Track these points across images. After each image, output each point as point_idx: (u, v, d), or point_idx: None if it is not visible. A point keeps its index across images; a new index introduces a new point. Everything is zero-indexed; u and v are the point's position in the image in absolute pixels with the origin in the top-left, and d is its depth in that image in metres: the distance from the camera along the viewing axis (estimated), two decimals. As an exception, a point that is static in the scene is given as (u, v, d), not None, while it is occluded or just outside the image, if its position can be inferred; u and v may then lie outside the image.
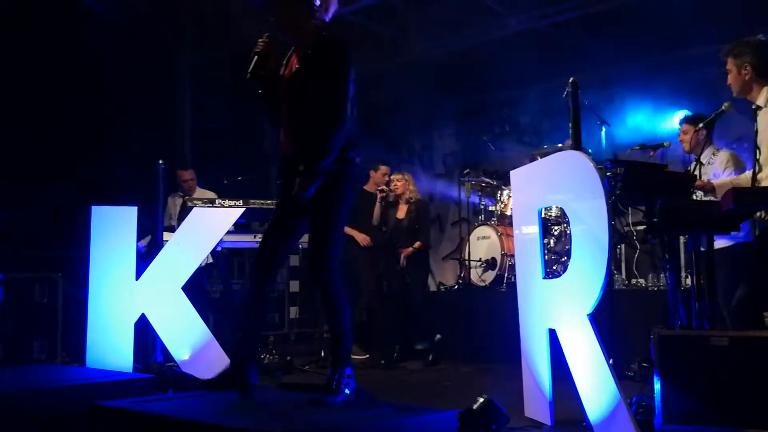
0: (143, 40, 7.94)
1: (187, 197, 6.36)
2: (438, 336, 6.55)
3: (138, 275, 4.89)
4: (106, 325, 4.85)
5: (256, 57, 3.43)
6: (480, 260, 7.28)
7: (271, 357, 5.96)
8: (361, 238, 6.91)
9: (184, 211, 5.49)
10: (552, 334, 3.55)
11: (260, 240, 3.63)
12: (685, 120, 5.19)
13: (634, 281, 6.61)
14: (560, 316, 3.45)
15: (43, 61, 7.10)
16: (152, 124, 8.07)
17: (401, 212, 7.06)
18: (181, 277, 4.81)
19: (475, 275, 7.33)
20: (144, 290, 4.86)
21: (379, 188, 6.97)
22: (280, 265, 3.62)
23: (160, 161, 5.42)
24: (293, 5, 3.43)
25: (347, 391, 3.31)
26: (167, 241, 5.11)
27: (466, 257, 7.34)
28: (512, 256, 6.90)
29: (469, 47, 8.70)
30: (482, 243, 7.37)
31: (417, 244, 6.96)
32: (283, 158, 3.54)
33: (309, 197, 3.29)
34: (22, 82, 7.00)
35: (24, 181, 6.91)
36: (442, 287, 8.72)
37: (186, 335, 4.81)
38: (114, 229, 4.90)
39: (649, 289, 6.27)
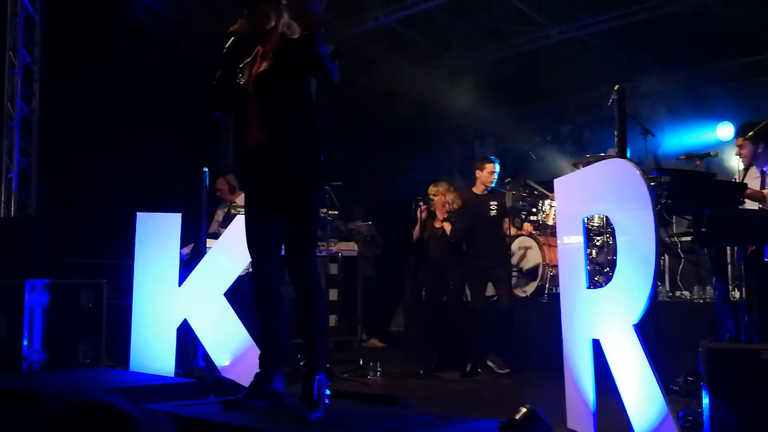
0: (188, 49, 8.07)
1: (231, 205, 6.43)
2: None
3: (180, 281, 4.95)
4: (149, 330, 4.92)
5: (233, 36, 3.43)
6: (521, 270, 7.21)
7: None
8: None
9: (228, 219, 5.55)
10: (596, 344, 3.49)
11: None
12: (738, 133, 5.07)
13: (678, 293, 6.48)
14: (605, 327, 3.39)
15: (91, 68, 7.27)
16: (197, 132, 8.20)
17: (439, 221, 6.99)
18: (223, 283, 4.84)
19: (516, 285, 7.27)
20: (186, 296, 4.91)
21: (420, 203, 6.83)
22: (276, 263, 3.47)
23: (205, 168, 5.50)
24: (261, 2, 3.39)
25: (326, 401, 3.16)
26: (210, 247, 5.17)
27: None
28: (554, 266, 6.82)
29: (509, 57, 8.69)
30: (523, 253, 7.31)
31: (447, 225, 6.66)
32: (248, 151, 3.41)
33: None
34: (73, 89, 7.18)
35: (71, 188, 7.08)
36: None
37: (227, 341, 4.84)
38: (158, 236, 4.98)
39: (695, 301, 6.15)
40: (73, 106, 7.21)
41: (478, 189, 6.87)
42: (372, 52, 9.12)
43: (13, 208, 6.71)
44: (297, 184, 3.29)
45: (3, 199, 6.73)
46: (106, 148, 7.43)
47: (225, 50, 3.44)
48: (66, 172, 7.09)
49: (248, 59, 3.52)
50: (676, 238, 5.70)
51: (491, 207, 6.78)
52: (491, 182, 6.79)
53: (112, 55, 7.46)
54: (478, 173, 6.89)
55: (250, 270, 6.72)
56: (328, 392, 3.19)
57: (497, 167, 6.79)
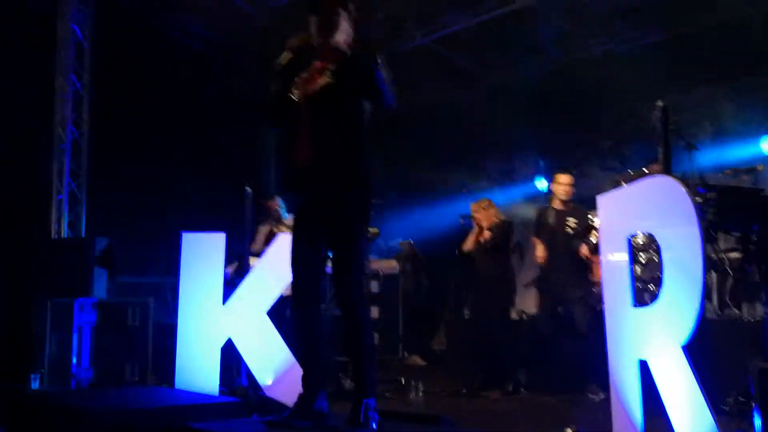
0: (231, 73, 8.24)
1: (274, 224, 6.50)
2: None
3: (225, 300, 5.01)
4: (194, 348, 4.98)
5: (290, 50, 3.38)
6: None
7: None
8: (540, 255, 6.45)
9: (272, 237, 5.61)
10: (643, 365, 3.43)
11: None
12: None
13: (727, 311, 6.33)
14: (652, 347, 3.33)
15: (137, 92, 7.45)
16: (241, 152, 8.34)
17: (484, 237, 6.95)
18: (266, 301, 4.88)
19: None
20: (230, 315, 4.96)
21: (463, 220, 6.81)
22: (319, 283, 3.47)
23: (248, 187, 5.57)
24: (335, 11, 3.36)
25: (374, 426, 3.11)
26: (254, 266, 5.22)
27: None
28: (597, 283, 6.73)
29: (548, 73, 8.65)
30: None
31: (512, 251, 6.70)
32: (298, 169, 3.37)
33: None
34: (120, 113, 7.37)
35: (118, 209, 7.25)
36: (524, 315, 8.58)
37: (270, 360, 4.87)
38: (203, 255, 5.05)
39: (744, 319, 5.99)
40: (121, 130, 7.40)
41: (555, 204, 6.55)
42: (410, 71, 9.18)
43: (63, 229, 6.88)
44: (349, 206, 3.26)
45: (53, 220, 6.91)
46: (152, 170, 7.60)
47: (281, 65, 3.39)
48: (113, 193, 7.26)
49: (303, 74, 3.44)
50: (723, 254, 5.57)
51: (567, 223, 6.44)
52: (567, 195, 6.43)
53: (158, 79, 7.65)
54: (552, 186, 6.60)
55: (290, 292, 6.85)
56: (377, 417, 3.14)
57: (570, 179, 6.45)
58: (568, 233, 6.41)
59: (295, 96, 3.38)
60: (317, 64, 3.42)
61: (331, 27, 3.34)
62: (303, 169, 3.33)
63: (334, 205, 3.27)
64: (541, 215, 6.57)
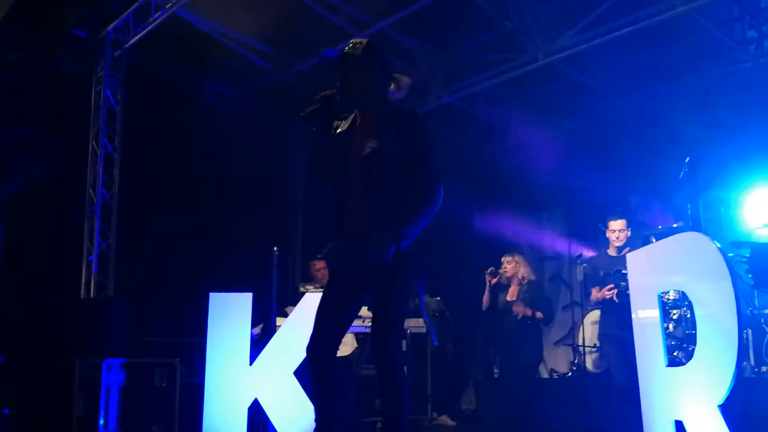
0: (257, 131, 8.40)
1: (300, 284, 6.52)
2: None
3: (252, 360, 4.99)
4: (221, 408, 4.96)
5: (319, 104, 3.33)
6: (595, 346, 7.00)
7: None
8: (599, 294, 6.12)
9: (297, 296, 5.62)
10: (679, 426, 3.34)
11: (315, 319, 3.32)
12: None
13: (765, 368, 6.15)
14: (688, 407, 3.25)
15: (165, 152, 7.61)
16: (267, 212, 8.42)
17: (511, 294, 6.91)
18: (293, 361, 4.87)
19: (589, 361, 7.04)
20: (257, 375, 4.95)
21: (489, 271, 6.82)
22: (337, 346, 3.34)
23: (275, 248, 5.61)
24: (358, 71, 3.32)
25: None
26: (280, 326, 5.22)
27: (580, 342, 7.07)
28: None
29: (573, 129, 8.69)
30: (597, 328, 7.09)
31: (538, 314, 6.64)
32: (350, 233, 3.31)
33: (380, 266, 3.11)
34: (149, 174, 7.51)
35: (147, 268, 7.32)
36: (554, 374, 8.42)
37: (297, 420, 4.83)
38: (230, 315, 5.07)
39: (783, 377, 5.82)
40: (150, 190, 7.52)
41: (611, 251, 6.31)
42: (436, 130, 9.28)
43: (92, 290, 6.95)
44: (398, 271, 3.19)
45: (83, 281, 6.99)
46: (180, 230, 7.68)
47: (304, 114, 3.35)
48: (142, 254, 7.33)
49: (343, 126, 3.43)
50: (759, 310, 5.44)
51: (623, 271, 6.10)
52: (620, 241, 6.17)
53: (186, 139, 7.81)
54: (607, 233, 6.34)
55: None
56: None
57: (623, 224, 6.20)
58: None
59: (337, 151, 3.36)
60: (357, 117, 3.42)
61: (354, 85, 3.32)
62: (355, 234, 3.28)
63: (386, 268, 3.16)
64: (595, 264, 6.34)
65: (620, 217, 6.22)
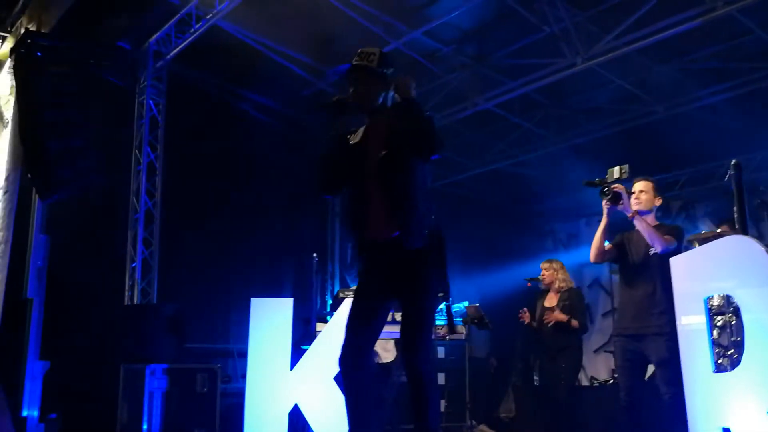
0: (295, 140, 8.47)
1: (340, 289, 6.55)
2: None
3: (292, 365, 5.03)
4: (262, 414, 5.01)
5: (335, 102, 3.37)
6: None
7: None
8: None
9: (337, 302, 5.65)
10: (727, 433, 3.28)
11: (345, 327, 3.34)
12: None
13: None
14: (736, 414, 3.19)
15: (205, 161, 7.72)
16: (306, 220, 8.49)
17: (550, 301, 6.85)
18: (333, 367, 4.88)
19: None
20: (298, 380, 4.99)
21: (526, 279, 6.78)
22: (370, 353, 3.39)
23: (314, 254, 5.66)
24: (372, 82, 3.36)
25: None
26: (320, 331, 5.26)
27: (621, 350, 6.96)
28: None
29: (612, 134, 8.59)
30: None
31: (574, 322, 6.57)
32: (371, 240, 3.36)
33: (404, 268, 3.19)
34: (190, 181, 7.63)
35: (189, 275, 7.43)
36: (595, 382, 8.32)
37: (337, 425, 4.84)
38: (271, 321, 5.12)
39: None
40: (191, 198, 7.64)
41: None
42: (472, 136, 9.27)
43: (136, 296, 7.07)
44: (422, 272, 3.22)
45: (127, 287, 7.12)
46: (221, 236, 7.79)
47: (320, 104, 3.43)
48: (184, 260, 7.44)
49: (355, 138, 3.47)
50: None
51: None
52: (639, 203, 5.82)
53: (225, 147, 7.92)
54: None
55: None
56: None
57: (644, 185, 5.53)
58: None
59: (351, 159, 3.41)
60: (368, 127, 3.46)
61: (366, 97, 3.37)
62: (377, 241, 3.32)
63: (408, 265, 3.22)
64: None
65: (643, 178, 5.78)
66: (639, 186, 4.81)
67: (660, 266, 4.43)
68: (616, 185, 4.59)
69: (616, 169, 4.77)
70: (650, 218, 4.65)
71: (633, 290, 4.60)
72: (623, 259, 4.75)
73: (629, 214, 4.56)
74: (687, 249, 5.40)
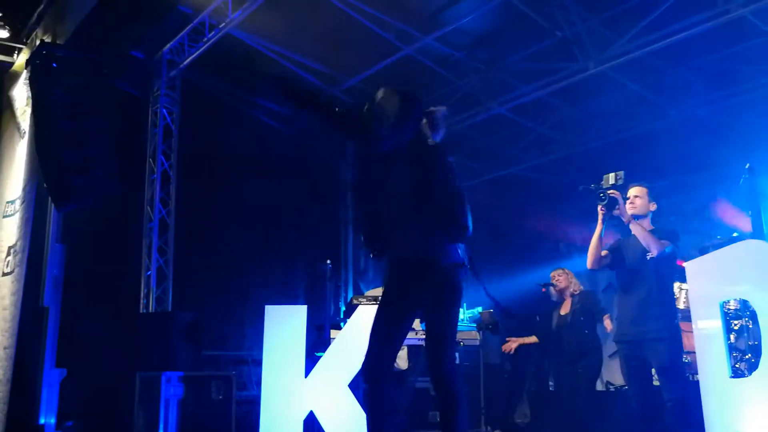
0: (308, 146, 8.50)
1: (353, 296, 6.55)
2: None
3: (306, 372, 5.03)
4: (277, 422, 5.01)
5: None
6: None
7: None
8: None
9: (351, 309, 5.65)
10: (744, 439, 3.25)
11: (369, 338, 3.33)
12: None
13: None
14: (753, 420, 3.16)
15: (219, 169, 7.76)
16: (318, 227, 8.50)
17: (565, 308, 6.83)
18: (348, 374, 4.89)
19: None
20: (312, 388, 4.99)
21: (540, 284, 6.76)
22: (392, 364, 3.40)
23: (328, 261, 5.67)
24: (398, 103, 3.29)
25: None
26: (335, 338, 5.26)
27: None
28: (687, 353, 6.44)
29: (624, 139, 8.55)
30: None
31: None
32: (395, 258, 3.39)
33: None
34: (203, 190, 7.67)
35: (203, 283, 7.46)
36: (611, 387, 8.26)
37: (352, 433, 4.85)
38: (285, 327, 5.13)
39: None
40: (205, 205, 7.68)
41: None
42: (485, 141, 9.25)
43: (151, 304, 7.11)
44: (450, 283, 3.24)
45: (142, 295, 7.16)
46: (235, 244, 7.82)
47: (339, 108, 3.46)
48: (198, 269, 7.48)
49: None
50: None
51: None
52: (634, 207, 5.71)
53: (239, 155, 7.96)
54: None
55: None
56: None
57: (638, 190, 5.48)
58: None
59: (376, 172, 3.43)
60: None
61: (376, 119, 3.29)
62: (404, 257, 3.34)
63: (440, 278, 3.23)
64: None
65: (638, 184, 5.73)
66: (634, 191, 4.82)
67: (656, 271, 4.47)
68: (612, 191, 4.59)
69: (612, 175, 4.80)
70: (645, 223, 4.66)
71: (630, 295, 4.61)
72: (620, 264, 4.76)
73: (625, 219, 4.57)
74: (686, 253, 5.36)
